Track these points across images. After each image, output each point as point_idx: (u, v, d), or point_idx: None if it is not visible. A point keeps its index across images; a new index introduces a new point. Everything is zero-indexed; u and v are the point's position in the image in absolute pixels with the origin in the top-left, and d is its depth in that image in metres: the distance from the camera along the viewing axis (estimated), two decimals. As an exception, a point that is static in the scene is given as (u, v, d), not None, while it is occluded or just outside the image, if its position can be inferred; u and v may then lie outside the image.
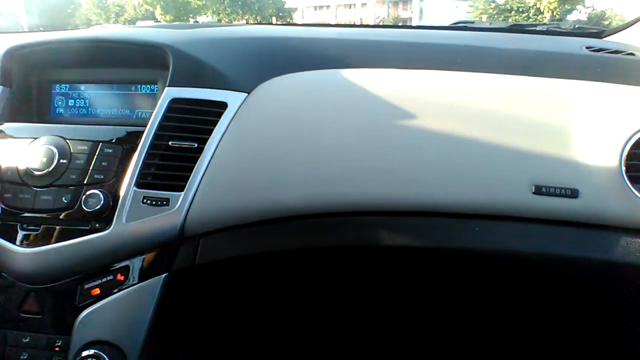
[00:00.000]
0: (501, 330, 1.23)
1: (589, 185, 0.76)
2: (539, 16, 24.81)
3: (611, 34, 1.12)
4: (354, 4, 46.12)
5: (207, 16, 32.57)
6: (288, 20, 38.59)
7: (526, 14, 25.40)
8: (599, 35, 1.15)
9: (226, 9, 32.18)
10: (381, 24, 40.78)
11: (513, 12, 25.72)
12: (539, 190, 0.78)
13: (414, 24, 40.30)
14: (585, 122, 0.79)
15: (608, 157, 0.76)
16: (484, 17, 18.43)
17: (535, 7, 24.80)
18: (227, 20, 32.12)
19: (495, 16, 25.75)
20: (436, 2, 43.86)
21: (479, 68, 0.88)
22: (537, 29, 1.23)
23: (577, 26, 1.21)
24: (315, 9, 49.20)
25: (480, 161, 0.80)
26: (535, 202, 0.78)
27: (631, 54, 0.94)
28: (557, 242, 0.82)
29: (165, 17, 25.01)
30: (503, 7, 26.57)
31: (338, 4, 47.17)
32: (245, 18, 33.00)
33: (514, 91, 0.84)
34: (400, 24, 40.68)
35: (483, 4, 27.61)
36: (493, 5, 27.33)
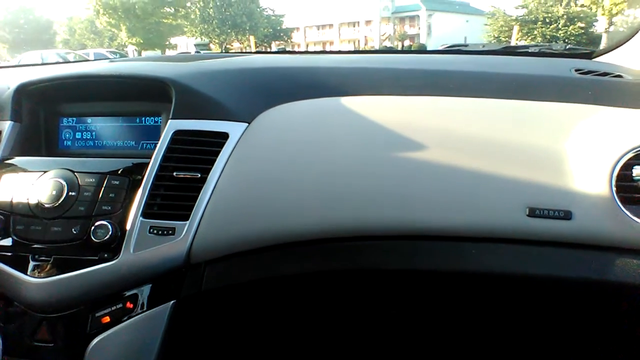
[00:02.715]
0: (497, 352, 1.29)
1: (581, 207, 0.83)
2: (570, 27, 23.03)
3: (601, 54, 1.20)
4: (358, 22, 46.44)
5: (196, 37, 31.17)
6: (287, 39, 37.54)
7: (555, 25, 23.80)
8: (590, 55, 1.23)
9: (215, 29, 30.67)
10: (387, 41, 39.87)
11: (539, 23, 24.36)
12: (532, 213, 0.83)
13: (421, 40, 39.51)
14: (576, 144, 0.87)
15: (599, 178, 0.82)
16: (516, 28, 17.00)
17: (565, 17, 23.06)
18: (217, 41, 30.71)
19: (519, 28, 24.05)
20: (445, 17, 43.05)
21: (472, 93, 0.97)
22: (529, 50, 1.44)
23: (567, 47, 1.54)
24: (318, 28, 50.80)
25: (474, 185, 0.88)
26: (530, 225, 0.84)
27: (619, 75, 1.03)
28: (552, 264, 0.88)
29: (132, 39, 23.57)
30: (527, 18, 24.89)
31: (341, 22, 47.76)
32: (238, 39, 31.50)
33: (505, 115, 0.93)
34: (407, 40, 39.58)
35: (503, 17, 25.86)
36: (514, 17, 25.52)
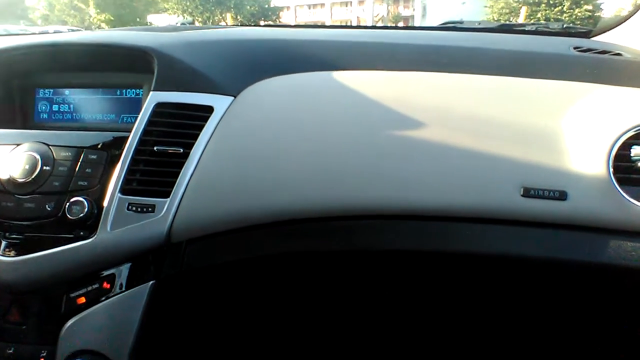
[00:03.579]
0: (493, 333, 1.32)
1: (577, 187, 0.85)
2: (576, 10, 22.98)
3: (599, 34, 1.23)
4: (350, 2, 46.31)
5: (178, 15, 30.78)
6: (275, 19, 37.37)
7: (559, 7, 23.63)
8: (587, 34, 1.26)
9: (198, 7, 30.27)
10: (380, 23, 39.92)
11: (543, 5, 24.03)
12: (527, 193, 0.86)
13: (416, 22, 39.60)
14: (573, 123, 0.89)
15: (596, 158, 0.84)
16: (524, 10, 17.08)
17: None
18: (200, 19, 30.42)
19: (526, 10, 23.94)
20: (441, -3, 42.91)
21: (467, 69, 0.98)
22: (526, 28, 1.37)
23: (565, 26, 1.36)
24: (309, 8, 50.62)
25: (468, 163, 0.89)
26: (524, 205, 0.86)
27: (618, 54, 1.05)
28: (547, 245, 0.90)
29: (101, 15, 22.84)
30: (530, 0, 24.64)
31: (333, 1, 47.26)
32: (223, 17, 31.17)
33: (501, 92, 0.95)
34: (401, 22, 39.55)
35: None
36: (516, -2, 25.42)
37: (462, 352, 1.36)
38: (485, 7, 27.96)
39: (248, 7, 32.88)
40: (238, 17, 31.51)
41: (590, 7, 23.28)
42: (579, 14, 23.32)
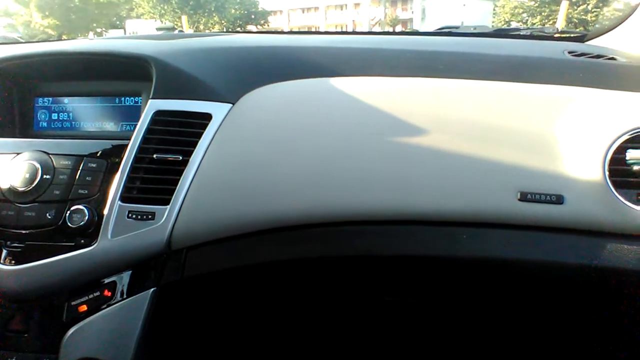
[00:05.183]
0: (490, 338, 1.42)
1: (574, 191, 0.93)
2: (603, 9, 23.04)
3: (593, 38, 1.36)
4: (346, 5, 47.42)
5: (156, 19, 31.01)
6: (263, 23, 37.70)
7: (584, 6, 23.63)
8: (582, 39, 1.39)
9: (175, 10, 30.39)
10: (377, 27, 40.46)
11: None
12: (524, 197, 0.94)
13: (415, 25, 40.31)
14: (569, 127, 0.97)
15: (592, 162, 0.93)
16: (564, 4, 17.08)
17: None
18: (179, 24, 30.64)
19: (538, 10, 24.03)
20: (440, 0, 43.71)
21: (463, 74, 1.09)
22: (521, 33, 1.53)
23: (560, 30, 1.51)
24: (303, 11, 51.60)
25: (464, 168, 0.98)
26: (521, 209, 0.95)
27: (612, 58, 1.16)
28: (544, 249, 0.99)
29: (45, 20, 22.22)
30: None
31: (328, 4, 48.05)
32: (203, 22, 31.33)
33: (496, 97, 1.04)
34: (399, 25, 40.12)
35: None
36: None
37: (462, 357, 1.47)
38: (496, 6, 27.97)
39: (232, 10, 33.08)
40: (223, 21, 31.72)
41: (621, 6, 22.97)
42: (608, 14, 23.10)
